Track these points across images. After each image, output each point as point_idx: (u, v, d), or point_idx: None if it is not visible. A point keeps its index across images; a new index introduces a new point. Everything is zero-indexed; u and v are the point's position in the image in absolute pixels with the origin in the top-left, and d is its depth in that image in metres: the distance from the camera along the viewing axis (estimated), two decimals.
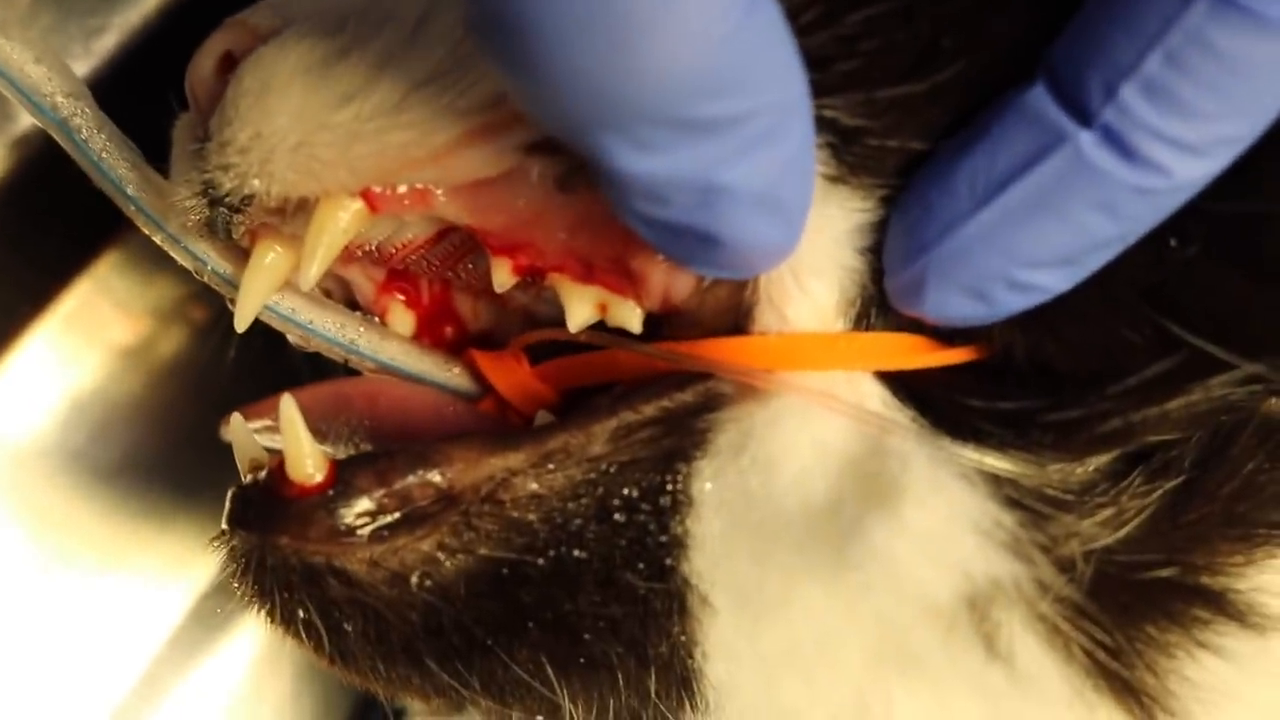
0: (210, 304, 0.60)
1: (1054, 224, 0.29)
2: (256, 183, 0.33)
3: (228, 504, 0.35)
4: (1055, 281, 0.30)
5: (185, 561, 0.63)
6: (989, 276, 0.30)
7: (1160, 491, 0.32)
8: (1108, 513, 0.32)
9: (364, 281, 0.40)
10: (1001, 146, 0.29)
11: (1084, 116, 0.28)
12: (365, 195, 0.33)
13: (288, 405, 0.34)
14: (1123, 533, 0.32)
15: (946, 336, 0.33)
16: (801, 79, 0.26)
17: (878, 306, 0.33)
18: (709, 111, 0.24)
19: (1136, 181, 0.28)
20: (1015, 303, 0.30)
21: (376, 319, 0.40)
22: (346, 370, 0.40)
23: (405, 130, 0.31)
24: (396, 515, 0.33)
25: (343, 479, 0.34)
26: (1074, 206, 0.28)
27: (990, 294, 0.30)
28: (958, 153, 0.30)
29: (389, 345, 0.39)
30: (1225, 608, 0.32)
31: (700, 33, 0.23)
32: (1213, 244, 0.31)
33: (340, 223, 0.33)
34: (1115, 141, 0.27)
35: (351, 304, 0.41)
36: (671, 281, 0.33)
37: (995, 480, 0.32)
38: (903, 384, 0.33)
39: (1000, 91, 0.30)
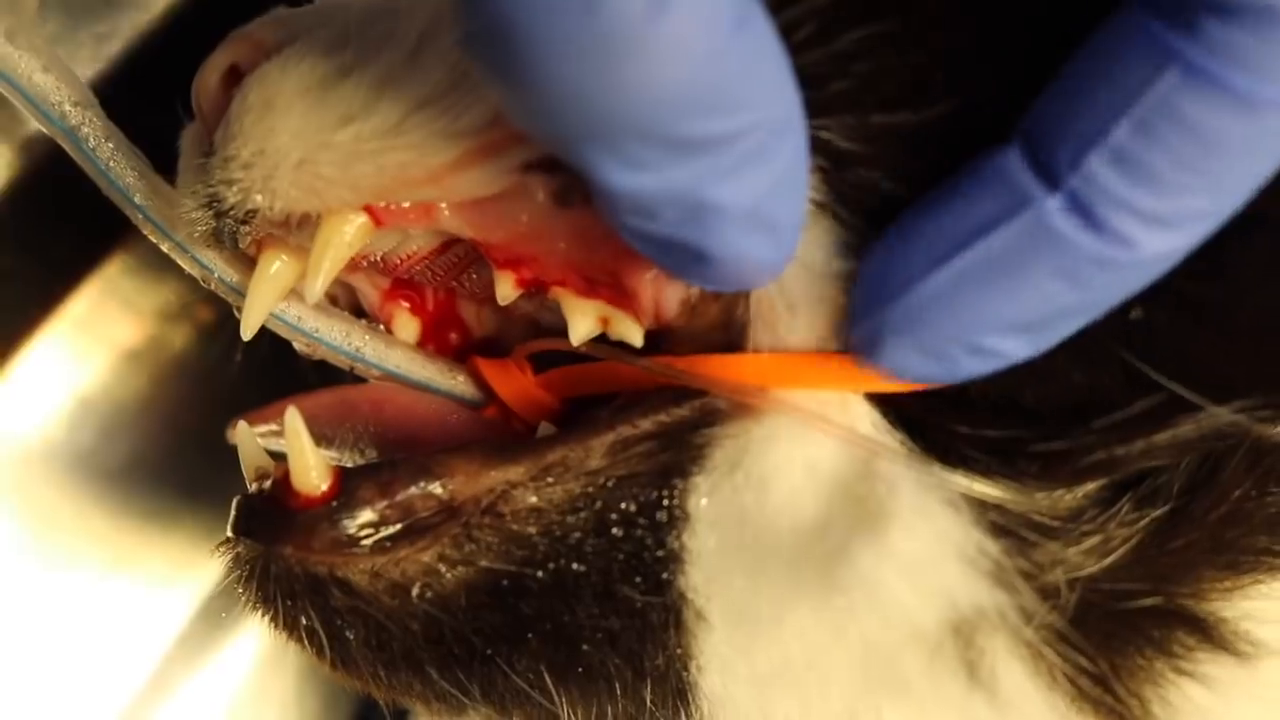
0: (217, 306, 0.61)
1: (1013, 289, 0.28)
2: (259, 198, 0.33)
3: (233, 512, 0.35)
4: (1016, 348, 0.29)
5: (190, 563, 0.64)
6: (946, 338, 0.29)
7: (1148, 519, 0.32)
8: (1094, 540, 0.32)
9: (369, 289, 0.41)
10: (968, 205, 0.28)
11: (1052, 182, 0.27)
12: (369, 209, 0.33)
13: (293, 417, 0.34)
14: (1108, 561, 0.32)
15: None
16: (794, 96, 0.26)
17: None
18: (698, 129, 0.24)
19: (1100, 252, 0.27)
20: (975, 366, 0.29)
21: (381, 326, 0.41)
22: (352, 376, 0.41)
23: (405, 151, 0.32)
24: (398, 526, 0.34)
25: (346, 490, 0.34)
26: (1035, 272, 0.27)
27: (948, 355, 0.29)
28: (927, 206, 0.29)
29: (394, 353, 0.39)
30: (1211, 635, 0.33)
31: (687, 50, 0.23)
32: (1179, 314, 0.31)
33: (345, 237, 0.34)
34: (1081, 210, 0.26)
35: (357, 310, 0.41)
36: (660, 297, 0.34)
37: (981, 506, 0.32)
38: (893, 407, 0.33)
39: (988, 142, 0.29)
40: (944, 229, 0.28)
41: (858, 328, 0.31)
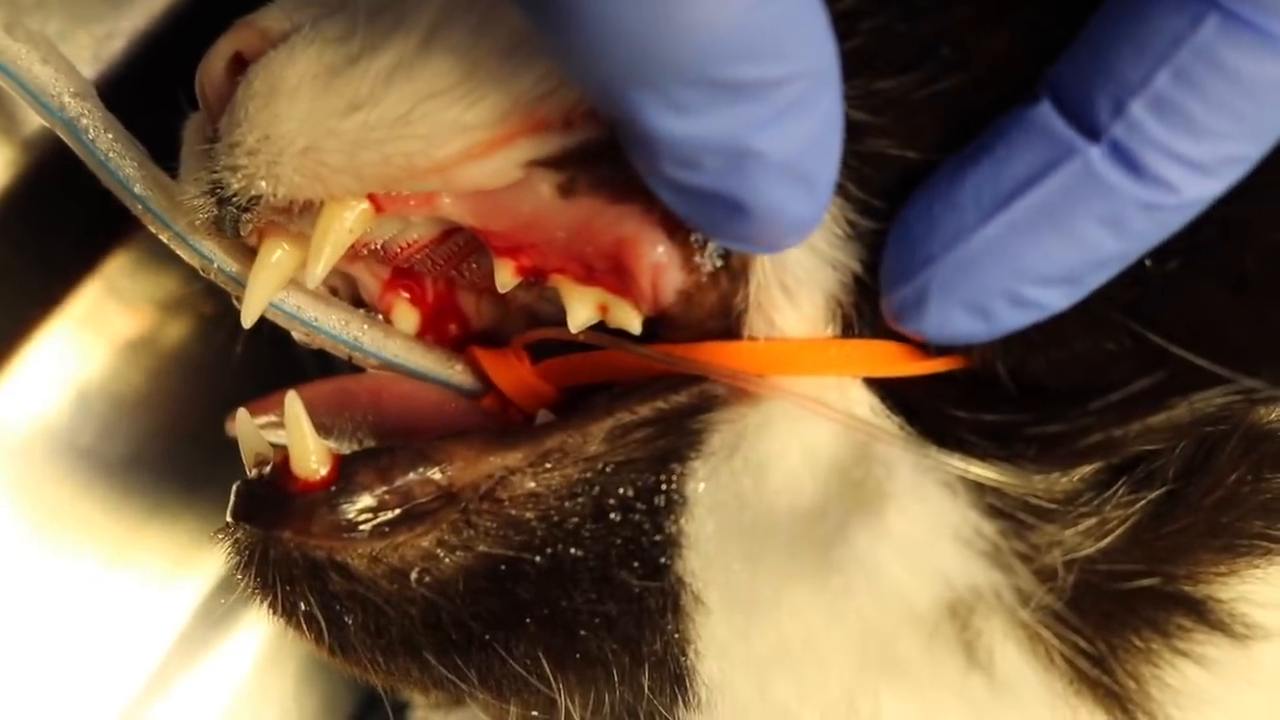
0: (217, 300, 0.61)
1: (1060, 239, 0.29)
2: (263, 184, 0.33)
3: (232, 497, 0.36)
4: (1055, 299, 0.30)
5: (191, 559, 0.64)
6: (992, 292, 0.30)
7: (1144, 502, 0.32)
8: (1090, 522, 0.32)
9: (369, 279, 0.41)
10: (1008, 160, 0.29)
11: (1092, 133, 0.28)
12: (371, 196, 0.34)
13: (293, 402, 0.35)
14: (1104, 542, 0.32)
15: (932, 347, 0.33)
16: (833, 50, 0.27)
17: (863, 315, 0.33)
18: (744, 74, 0.25)
19: (1145, 198, 0.28)
20: (1014, 320, 0.30)
21: (381, 316, 0.41)
22: (351, 367, 0.41)
23: (411, 141, 0.32)
24: (397, 512, 0.34)
25: (345, 475, 0.34)
26: (1081, 221, 0.28)
27: (992, 310, 0.30)
28: (962, 166, 0.30)
29: (392, 342, 0.40)
30: (1207, 617, 0.33)
31: None
32: (1191, 257, 0.31)
33: (346, 222, 0.34)
34: (1124, 157, 0.27)
35: (357, 301, 0.41)
36: (659, 284, 0.34)
37: (978, 489, 0.32)
38: (891, 392, 0.33)
39: (996, 112, 0.30)
40: (985, 184, 0.29)
41: (896, 293, 0.31)
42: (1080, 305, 0.31)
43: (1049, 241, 0.29)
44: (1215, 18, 0.26)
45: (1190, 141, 0.27)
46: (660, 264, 0.33)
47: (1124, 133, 0.27)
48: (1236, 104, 0.27)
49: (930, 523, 0.32)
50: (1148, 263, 0.31)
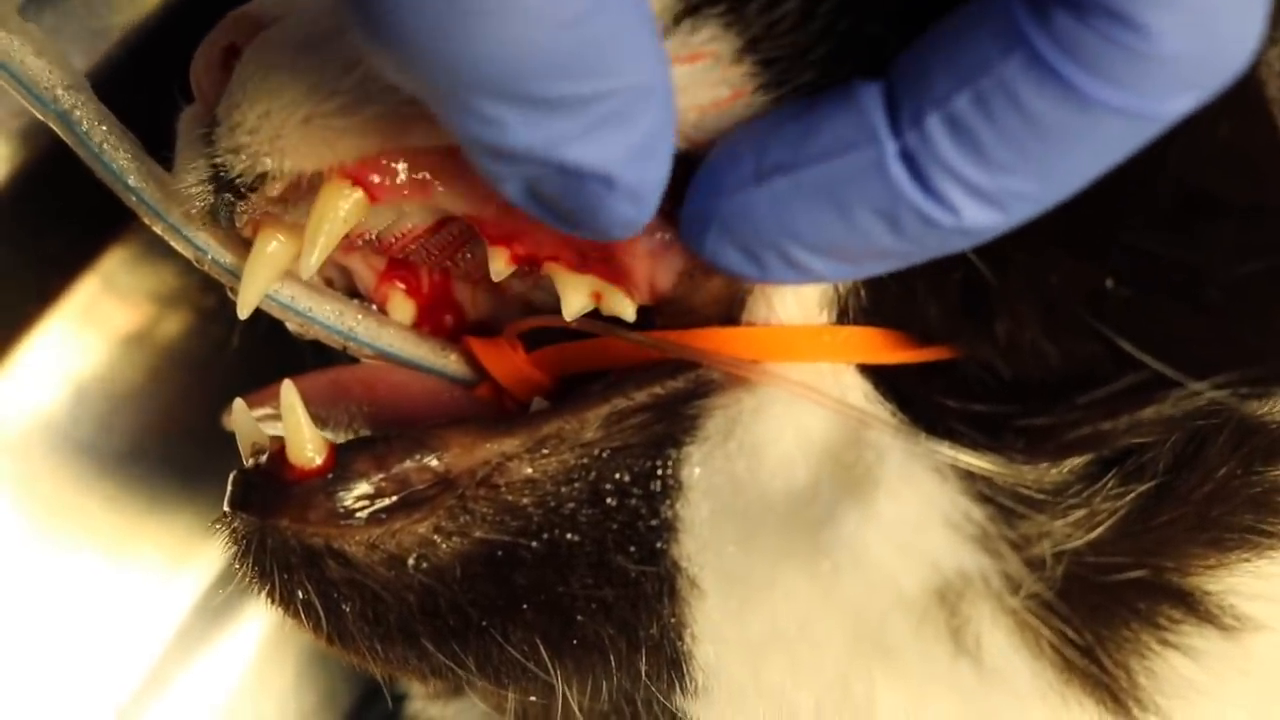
0: (214, 293, 0.61)
1: (838, 216, 0.28)
2: (269, 161, 0.33)
3: (229, 487, 0.36)
4: (828, 269, 0.30)
5: (190, 553, 0.64)
6: (762, 243, 0.29)
7: (1133, 495, 0.32)
8: (1080, 514, 0.32)
9: (365, 270, 0.41)
10: (819, 127, 0.28)
11: (897, 130, 0.27)
12: (365, 185, 0.33)
13: (288, 391, 0.35)
14: (1094, 534, 0.32)
15: (925, 335, 0.33)
16: (661, 67, 0.27)
17: (857, 303, 0.33)
18: (554, 91, 0.25)
19: (923, 208, 0.27)
20: (787, 275, 0.30)
21: (375, 307, 0.41)
22: (349, 359, 0.41)
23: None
24: (394, 499, 0.34)
25: (342, 463, 0.34)
26: (861, 207, 0.28)
27: (762, 259, 0.30)
28: (783, 116, 0.29)
29: (386, 332, 0.40)
30: (1196, 609, 0.33)
31: (545, 13, 0.23)
32: (1148, 287, 0.31)
33: (340, 211, 0.34)
34: (912, 165, 0.27)
35: (353, 292, 0.41)
36: (656, 272, 0.34)
37: (969, 476, 0.32)
38: (885, 379, 0.33)
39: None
40: (791, 142, 0.29)
41: (688, 208, 0.31)
42: (1050, 308, 0.31)
43: (825, 215, 0.28)
44: (1022, 55, 0.25)
45: (978, 170, 0.26)
46: (656, 251, 0.33)
47: (917, 143, 0.27)
48: (1029, 145, 0.26)
49: (919, 507, 0.32)
50: (1109, 283, 0.31)
